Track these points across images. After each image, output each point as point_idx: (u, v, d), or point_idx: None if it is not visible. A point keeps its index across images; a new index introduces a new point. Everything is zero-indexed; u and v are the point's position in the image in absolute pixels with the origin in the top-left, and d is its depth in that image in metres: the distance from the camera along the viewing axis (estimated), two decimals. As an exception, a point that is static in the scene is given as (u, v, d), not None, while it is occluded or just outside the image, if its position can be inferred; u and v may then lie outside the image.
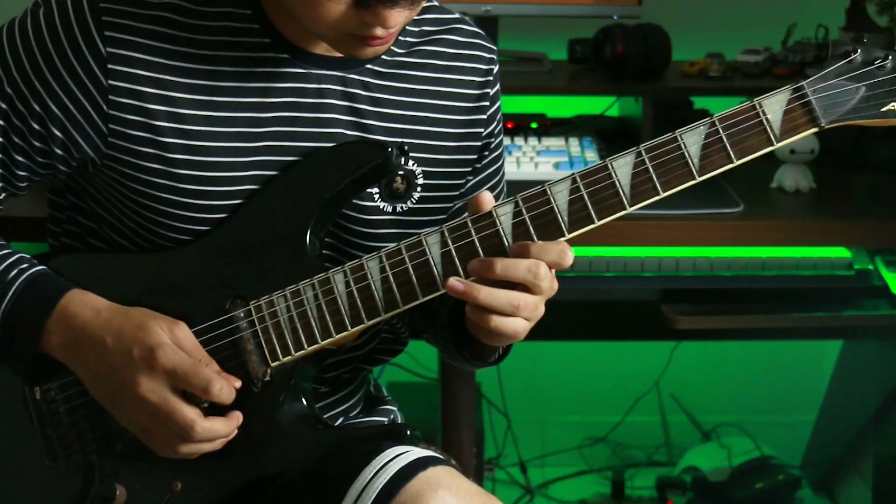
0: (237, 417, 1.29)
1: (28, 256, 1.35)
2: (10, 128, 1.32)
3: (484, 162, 1.49)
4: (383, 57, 1.40)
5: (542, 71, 2.50)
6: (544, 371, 3.01)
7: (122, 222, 1.36)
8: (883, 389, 2.53)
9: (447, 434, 2.15)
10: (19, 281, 1.31)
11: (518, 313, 1.27)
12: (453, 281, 1.27)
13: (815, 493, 2.78)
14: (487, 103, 1.47)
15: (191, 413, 1.25)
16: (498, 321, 1.27)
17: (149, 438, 1.29)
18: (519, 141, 2.14)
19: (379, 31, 1.25)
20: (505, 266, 1.26)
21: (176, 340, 1.27)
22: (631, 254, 2.08)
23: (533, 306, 1.28)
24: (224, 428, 1.28)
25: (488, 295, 1.26)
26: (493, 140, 1.49)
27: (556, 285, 1.29)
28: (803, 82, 1.32)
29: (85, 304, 1.30)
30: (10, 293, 1.30)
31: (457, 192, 1.46)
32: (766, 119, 1.31)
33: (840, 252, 2.11)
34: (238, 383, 1.29)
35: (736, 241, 1.99)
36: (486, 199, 1.30)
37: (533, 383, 3.01)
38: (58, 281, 1.33)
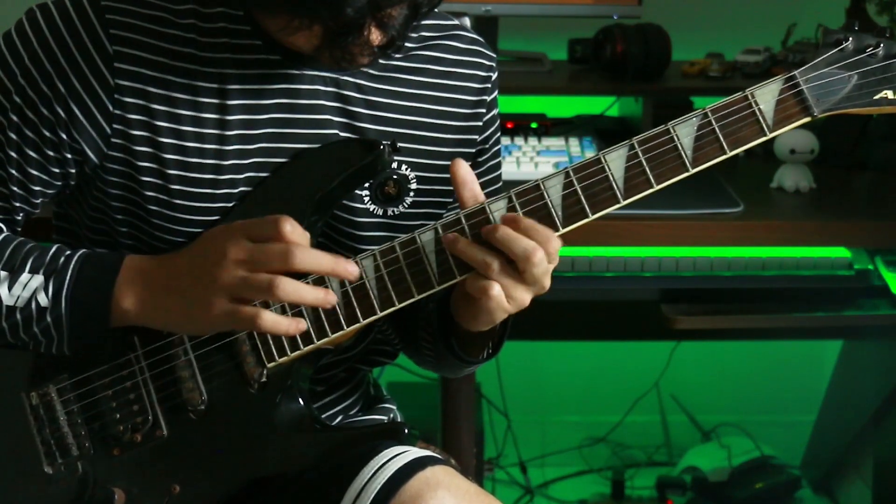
0: (331, 294, 1.26)
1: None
2: (22, 142, 1.30)
3: (479, 170, 1.48)
4: (379, 60, 1.39)
5: (542, 71, 2.50)
6: (544, 371, 3.01)
7: (115, 229, 1.35)
8: (883, 389, 2.52)
9: (447, 434, 2.15)
10: (74, 261, 1.30)
11: (489, 272, 1.25)
12: (449, 235, 1.27)
13: (815, 493, 2.78)
14: (484, 110, 1.46)
15: None
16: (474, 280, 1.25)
17: (236, 314, 1.24)
18: (519, 141, 2.14)
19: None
20: (505, 234, 1.25)
21: None
22: (631, 254, 2.08)
23: (511, 280, 1.26)
24: (310, 291, 1.25)
25: (466, 245, 1.26)
26: (487, 146, 1.48)
27: (547, 283, 1.28)
28: (795, 72, 1.32)
29: (143, 257, 1.30)
30: (70, 273, 1.29)
31: (450, 199, 1.45)
32: (759, 109, 1.31)
33: (840, 252, 2.11)
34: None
35: (736, 241, 1.99)
36: (461, 167, 1.29)
37: (533, 383, 3.01)
38: (108, 253, 1.32)
